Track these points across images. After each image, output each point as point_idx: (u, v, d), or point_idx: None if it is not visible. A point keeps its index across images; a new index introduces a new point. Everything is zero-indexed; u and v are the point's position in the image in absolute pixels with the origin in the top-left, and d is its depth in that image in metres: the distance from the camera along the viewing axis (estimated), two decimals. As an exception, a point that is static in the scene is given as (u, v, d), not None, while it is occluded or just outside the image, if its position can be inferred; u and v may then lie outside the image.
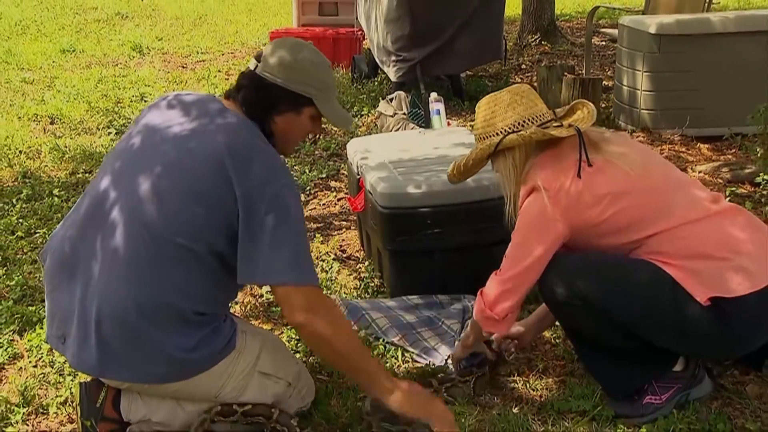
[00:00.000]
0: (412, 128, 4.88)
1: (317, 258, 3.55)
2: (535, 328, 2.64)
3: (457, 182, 2.59)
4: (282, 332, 2.93)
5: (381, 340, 2.80)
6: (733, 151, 4.74)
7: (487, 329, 2.39)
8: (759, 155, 4.12)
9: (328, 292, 3.21)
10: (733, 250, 2.16)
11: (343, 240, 3.78)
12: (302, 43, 2.34)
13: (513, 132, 2.29)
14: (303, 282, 2.11)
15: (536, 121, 2.31)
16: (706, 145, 4.83)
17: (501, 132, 2.31)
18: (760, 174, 3.98)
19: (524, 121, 2.30)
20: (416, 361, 2.71)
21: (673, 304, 2.16)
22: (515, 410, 2.39)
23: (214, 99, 2.33)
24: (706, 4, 6.21)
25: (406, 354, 2.74)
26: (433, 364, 2.65)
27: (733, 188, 4.06)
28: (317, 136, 5.02)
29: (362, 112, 5.90)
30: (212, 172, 2.10)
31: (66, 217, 2.32)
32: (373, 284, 3.27)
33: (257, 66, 2.27)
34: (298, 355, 2.74)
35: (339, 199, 4.33)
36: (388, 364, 2.68)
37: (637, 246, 2.23)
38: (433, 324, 2.87)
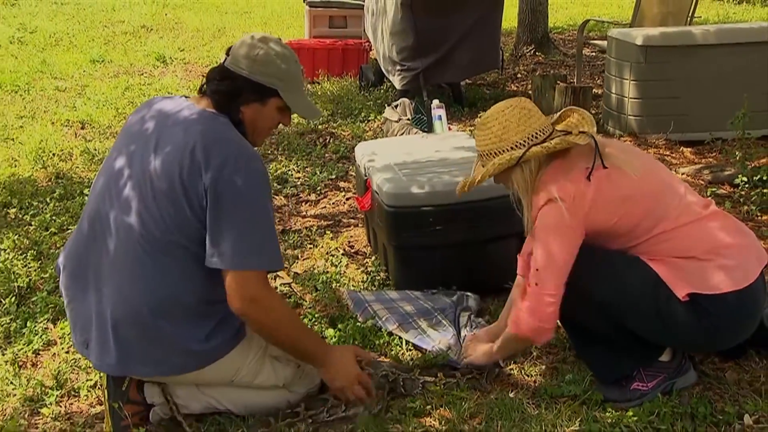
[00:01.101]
0: (415, 133, 4.88)
1: (327, 253, 3.55)
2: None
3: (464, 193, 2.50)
4: (295, 322, 2.93)
5: (383, 329, 2.80)
6: (714, 154, 4.72)
7: (540, 340, 2.28)
8: (738, 158, 4.10)
9: (338, 284, 3.21)
10: (718, 252, 2.15)
11: (352, 236, 3.78)
12: (269, 37, 2.27)
13: (535, 144, 2.20)
14: (246, 269, 2.05)
15: (545, 132, 2.23)
16: (689, 149, 4.82)
17: (517, 145, 2.22)
18: (739, 176, 3.97)
19: (536, 134, 2.22)
20: (418, 349, 2.71)
21: (654, 297, 2.15)
22: (511, 395, 2.39)
23: (185, 98, 2.27)
24: (689, 18, 6.19)
25: (409, 343, 2.74)
26: (434, 352, 2.65)
27: (714, 189, 4.04)
28: (327, 139, 5.02)
29: (369, 118, 5.89)
30: (186, 168, 2.06)
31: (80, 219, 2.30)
32: (379, 277, 3.26)
33: (226, 59, 2.23)
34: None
35: (347, 199, 4.33)
36: (393, 352, 2.68)
37: (631, 247, 2.23)
38: (429, 314, 2.86)
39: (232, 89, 2.19)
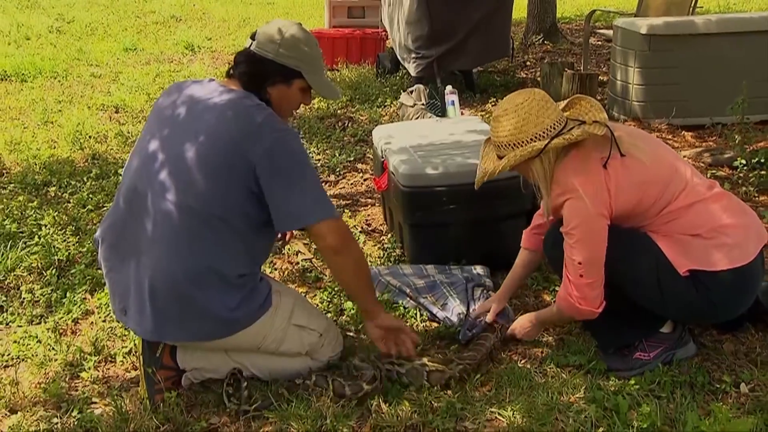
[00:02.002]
0: (429, 117, 4.85)
1: (346, 230, 3.55)
2: (506, 301, 2.62)
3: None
4: (315, 295, 2.94)
5: (400, 302, 2.80)
6: (714, 138, 4.67)
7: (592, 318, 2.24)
8: (737, 142, 4.06)
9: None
10: (721, 231, 2.13)
11: (369, 215, 3.78)
12: (291, 23, 2.28)
13: (555, 136, 2.13)
14: (331, 217, 2.15)
15: (561, 123, 2.16)
16: (690, 133, 4.76)
17: (536, 137, 2.14)
18: (738, 158, 3.93)
19: (554, 125, 2.15)
20: (432, 321, 2.71)
21: (656, 272, 2.14)
22: (519, 364, 2.39)
23: (213, 80, 2.28)
24: (691, 8, 6.10)
25: (423, 314, 2.74)
26: (446, 323, 2.65)
27: (713, 171, 4.00)
28: (345, 124, 5.01)
29: (386, 103, 5.86)
30: (229, 143, 2.08)
31: (116, 194, 2.31)
32: (395, 254, 3.26)
33: (252, 44, 2.24)
34: (328, 315, 2.74)
35: (365, 180, 4.32)
36: (408, 324, 2.68)
37: (641, 227, 2.21)
38: (436, 288, 2.84)
39: (259, 71, 2.21)
